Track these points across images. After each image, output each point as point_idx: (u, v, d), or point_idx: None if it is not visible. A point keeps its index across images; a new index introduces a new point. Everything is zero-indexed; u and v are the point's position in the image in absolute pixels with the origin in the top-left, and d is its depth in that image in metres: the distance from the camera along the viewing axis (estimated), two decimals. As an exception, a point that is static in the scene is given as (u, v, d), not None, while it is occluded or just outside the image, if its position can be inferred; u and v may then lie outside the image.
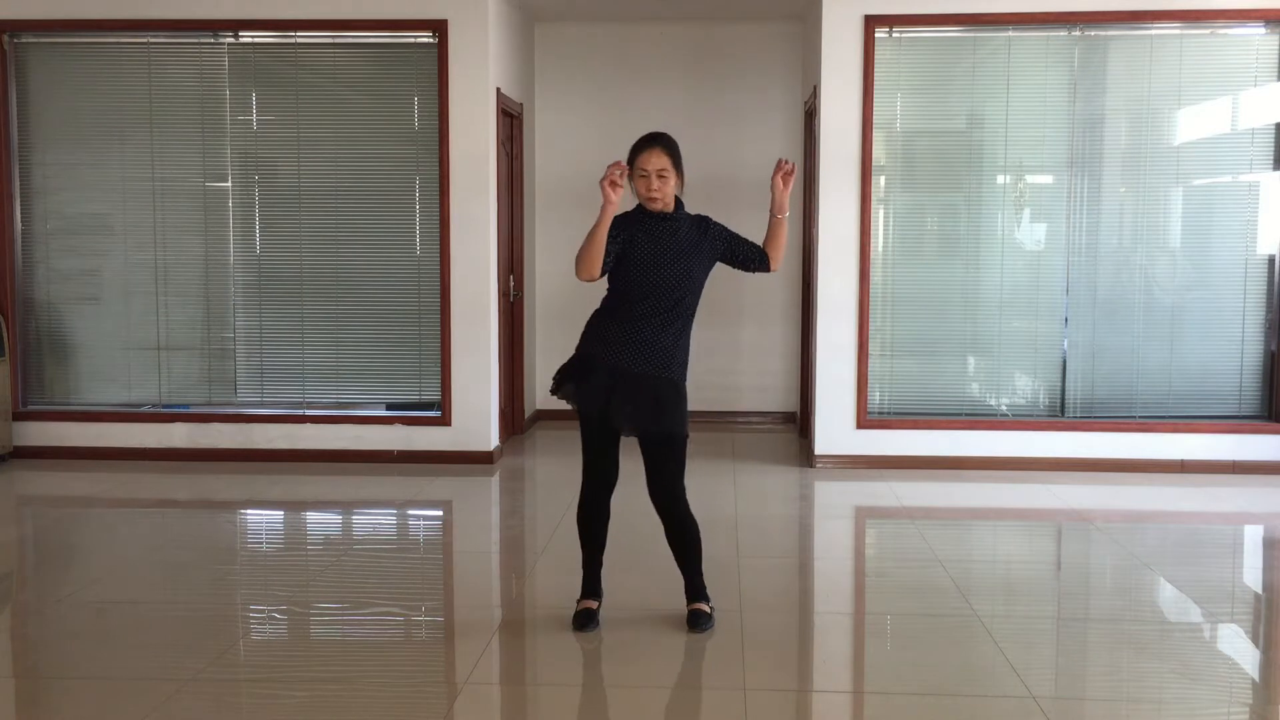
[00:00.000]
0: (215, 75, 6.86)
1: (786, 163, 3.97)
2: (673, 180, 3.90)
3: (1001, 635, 3.94)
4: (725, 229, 4.07)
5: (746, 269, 4.09)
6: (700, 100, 8.19)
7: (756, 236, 4.14)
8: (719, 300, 8.18)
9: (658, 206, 3.92)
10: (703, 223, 4.03)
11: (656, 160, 3.87)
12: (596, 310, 4.02)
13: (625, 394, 3.86)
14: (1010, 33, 6.61)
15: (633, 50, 8.21)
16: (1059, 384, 6.75)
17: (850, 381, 6.68)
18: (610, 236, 3.84)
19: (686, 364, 4.00)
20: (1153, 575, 4.76)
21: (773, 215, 4.04)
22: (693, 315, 4.00)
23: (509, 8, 7.26)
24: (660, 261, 3.90)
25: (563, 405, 4.14)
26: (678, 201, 3.98)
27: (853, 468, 6.67)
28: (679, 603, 4.06)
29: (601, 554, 4.09)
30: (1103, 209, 6.72)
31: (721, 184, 8.08)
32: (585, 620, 4.01)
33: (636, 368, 3.88)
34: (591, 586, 4.09)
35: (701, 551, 4.03)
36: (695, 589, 4.04)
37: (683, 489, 3.96)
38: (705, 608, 4.02)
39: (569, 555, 4.88)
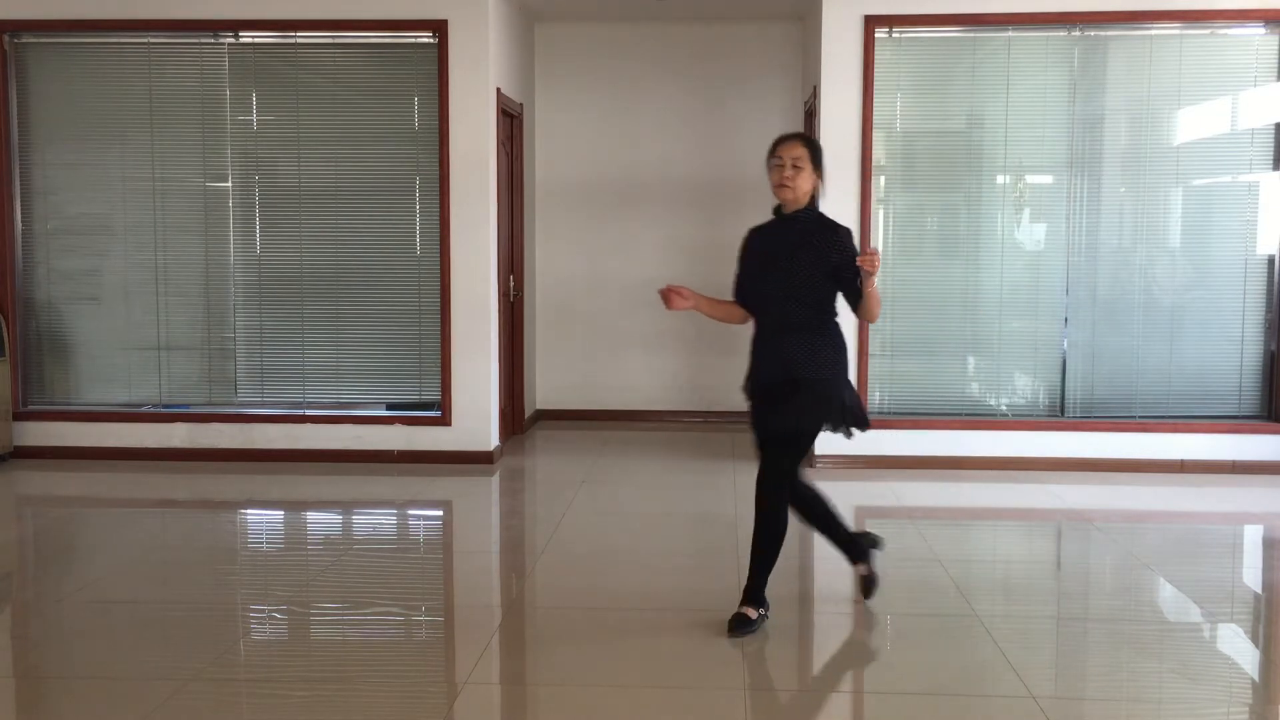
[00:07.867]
0: (215, 75, 6.86)
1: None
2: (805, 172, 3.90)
3: (1001, 635, 3.94)
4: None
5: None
6: (700, 100, 8.19)
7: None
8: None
9: (786, 196, 3.93)
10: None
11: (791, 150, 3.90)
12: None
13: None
14: (1010, 33, 6.61)
15: (633, 50, 8.21)
16: (1059, 384, 6.75)
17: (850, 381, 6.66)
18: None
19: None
20: (1153, 575, 4.76)
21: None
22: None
23: (509, 8, 7.26)
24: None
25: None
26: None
27: (853, 468, 6.66)
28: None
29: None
30: (1102, 209, 6.72)
31: (721, 184, 8.11)
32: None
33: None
34: None
35: None
36: None
37: None
38: None
39: (569, 555, 4.89)
